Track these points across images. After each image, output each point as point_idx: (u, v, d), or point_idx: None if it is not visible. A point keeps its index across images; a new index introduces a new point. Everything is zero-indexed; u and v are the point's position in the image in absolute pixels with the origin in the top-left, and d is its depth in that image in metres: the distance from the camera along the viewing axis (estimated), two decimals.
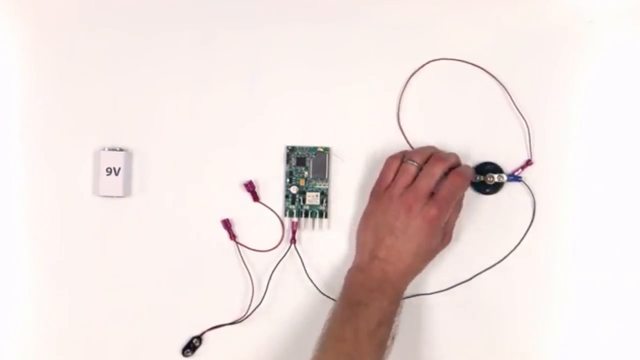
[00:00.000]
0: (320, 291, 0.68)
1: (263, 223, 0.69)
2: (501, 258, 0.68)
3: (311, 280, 0.68)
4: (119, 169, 0.68)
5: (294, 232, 0.69)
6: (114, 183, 0.68)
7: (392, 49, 0.70)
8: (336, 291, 0.65)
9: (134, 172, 0.70)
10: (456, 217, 0.67)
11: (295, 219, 0.69)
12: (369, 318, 0.61)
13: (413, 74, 0.69)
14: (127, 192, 0.69)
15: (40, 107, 0.71)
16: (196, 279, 0.69)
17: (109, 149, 0.69)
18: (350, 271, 0.65)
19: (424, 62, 0.69)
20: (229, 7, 0.71)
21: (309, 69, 0.70)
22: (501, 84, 0.69)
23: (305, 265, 0.68)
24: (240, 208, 0.70)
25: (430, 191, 0.63)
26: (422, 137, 0.69)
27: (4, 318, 0.70)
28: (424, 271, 0.66)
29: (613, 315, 0.68)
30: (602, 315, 0.68)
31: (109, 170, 0.68)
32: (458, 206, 0.67)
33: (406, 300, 0.68)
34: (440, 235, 0.64)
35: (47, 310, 0.70)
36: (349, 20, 0.70)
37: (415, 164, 0.64)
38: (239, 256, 0.69)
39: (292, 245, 0.69)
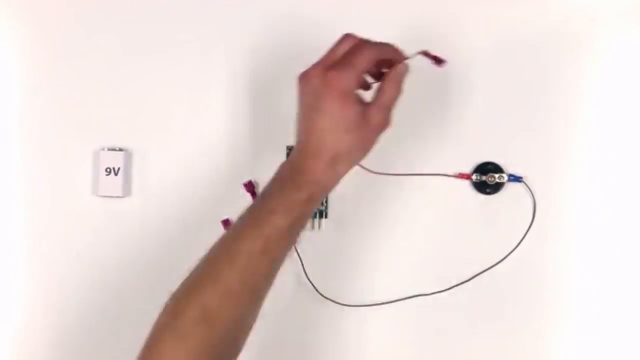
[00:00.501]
0: (319, 292, 0.68)
1: None
2: (501, 258, 0.68)
3: (310, 281, 0.68)
4: (119, 169, 0.68)
5: None
6: (114, 183, 0.69)
7: None
8: (336, 292, 0.65)
9: (133, 172, 0.70)
10: (393, 97, 0.58)
11: None
12: (273, 211, 0.55)
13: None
14: (126, 192, 0.69)
15: (39, 107, 0.71)
16: None
17: (109, 149, 0.69)
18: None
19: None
20: (228, 6, 0.70)
21: None
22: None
23: (305, 266, 0.68)
24: (240, 208, 0.69)
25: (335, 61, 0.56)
26: (423, 134, 0.69)
27: (3, 318, 0.70)
28: (423, 271, 0.66)
29: (613, 316, 0.68)
30: (603, 315, 0.68)
31: (108, 170, 0.68)
32: (396, 87, 0.58)
33: (406, 301, 0.68)
34: (359, 106, 0.56)
35: (45, 311, 0.70)
36: (349, 19, 0.70)
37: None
38: None
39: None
